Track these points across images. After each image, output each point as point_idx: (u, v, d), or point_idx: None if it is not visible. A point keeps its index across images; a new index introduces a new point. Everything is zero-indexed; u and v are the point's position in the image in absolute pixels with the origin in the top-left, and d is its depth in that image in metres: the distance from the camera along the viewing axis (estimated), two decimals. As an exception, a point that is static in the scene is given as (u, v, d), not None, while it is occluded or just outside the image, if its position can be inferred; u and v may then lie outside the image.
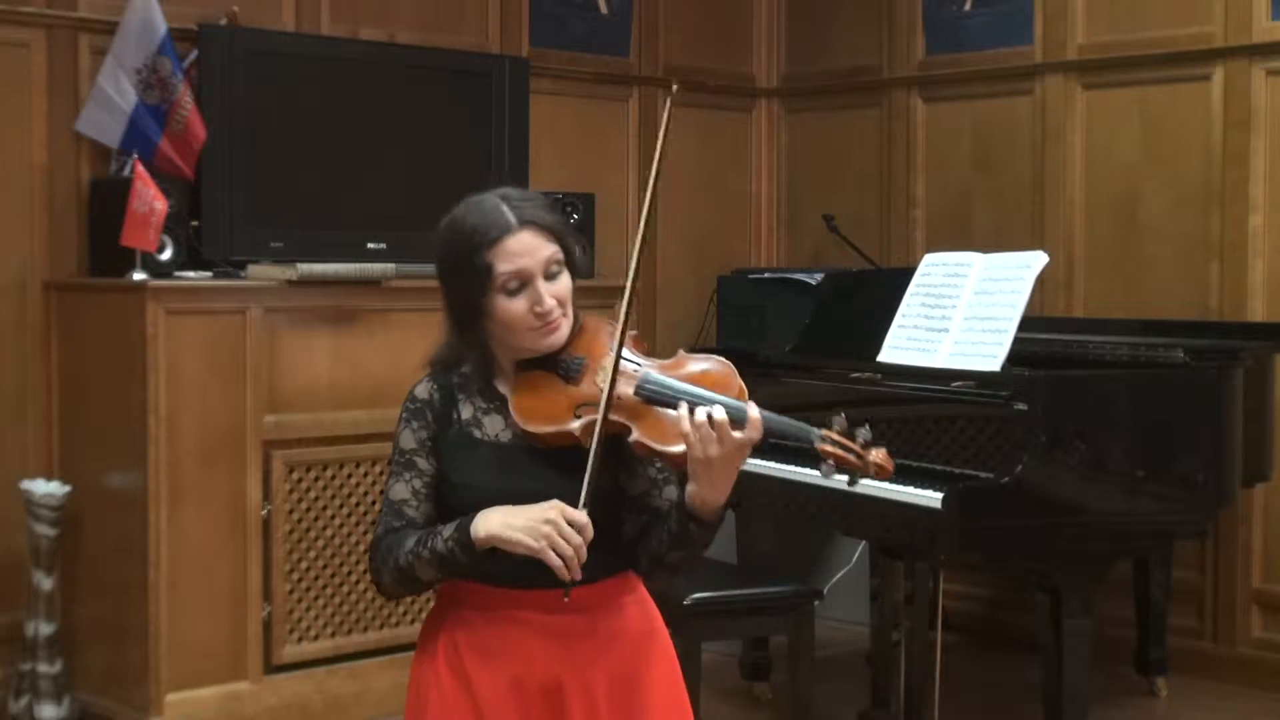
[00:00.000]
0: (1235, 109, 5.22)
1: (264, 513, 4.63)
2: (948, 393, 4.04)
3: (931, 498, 3.84)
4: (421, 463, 2.42)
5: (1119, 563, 4.68)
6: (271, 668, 4.68)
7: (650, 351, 2.47)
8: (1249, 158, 5.19)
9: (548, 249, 2.37)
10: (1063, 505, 3.89)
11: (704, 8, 6.44)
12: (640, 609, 2.50)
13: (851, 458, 2.26)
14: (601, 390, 2.32)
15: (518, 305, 2.36)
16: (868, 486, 4.05)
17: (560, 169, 5.80)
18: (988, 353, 4.02)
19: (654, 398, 2.33)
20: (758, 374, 4.14)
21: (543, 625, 2.39)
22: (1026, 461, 3.79)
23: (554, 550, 2.25)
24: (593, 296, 5.21)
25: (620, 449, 2.36)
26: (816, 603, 4.34)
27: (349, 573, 4.83)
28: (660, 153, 2.42)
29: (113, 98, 4.67)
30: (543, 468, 2.37)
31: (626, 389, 2.34)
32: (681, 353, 2.45)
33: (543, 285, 2.36)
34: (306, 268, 4.66)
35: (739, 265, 6.31)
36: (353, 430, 4.83)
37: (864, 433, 2.28)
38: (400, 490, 2.41)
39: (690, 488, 2.31)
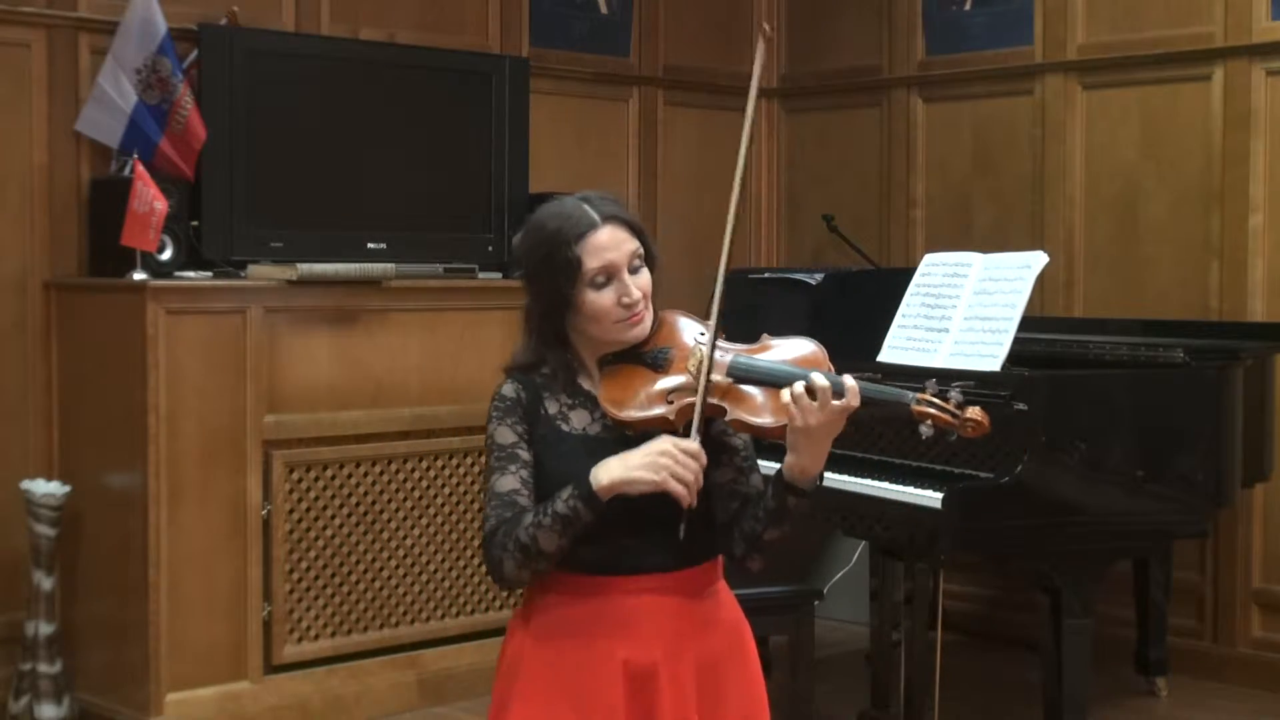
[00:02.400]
0: (1235, 109, 5.23)
1: (264, 513, 4.63)
2: (946, 387, 4.03)
3: (931, 498, 3.84)
4: (524, 454, 2.47)
5: (1119, 563, 4.68)
6: (271, 668, 4.68)
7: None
8: (1249, 158, 5.19)
9: (631, 243, 2.48)
10: (1063, 505, 3.89)
11: (704, 8, 6.44)
12: (729, 598, 2.59)
13: (948, 416, 2.39)
14: (695, 374, 2.42)
15: (605, 298, 2.45)
16: (868, 486, 4.05)
17: (560, 169, 5.79)
18: (988, 353, 4.02)
19: (746, 377, 2.43)
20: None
21: (632, 607, 2.45)
22: (1026, 461, 3.79)
23: (675, 479, 2.32)
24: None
25: (708, 441, 2.43)
26: (816, 603, 4.34)
27: (349, 573, 4.83)
28: (748, 137, 2.64)
29: (113, 98, 4.67)
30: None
31: (718, 373, 2.44)
32: (765, 337, 2.55)
33: (628, 278, 2.46)
34: (306, 268, 4.66)
35: (739, 265, 6.32)
36: (353, 430, 4.83)
37: (955, 394, 2.41)
38: (508, 482, 2.45)
39: (789, 459, 2.40)
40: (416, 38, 5.46)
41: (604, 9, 6.12)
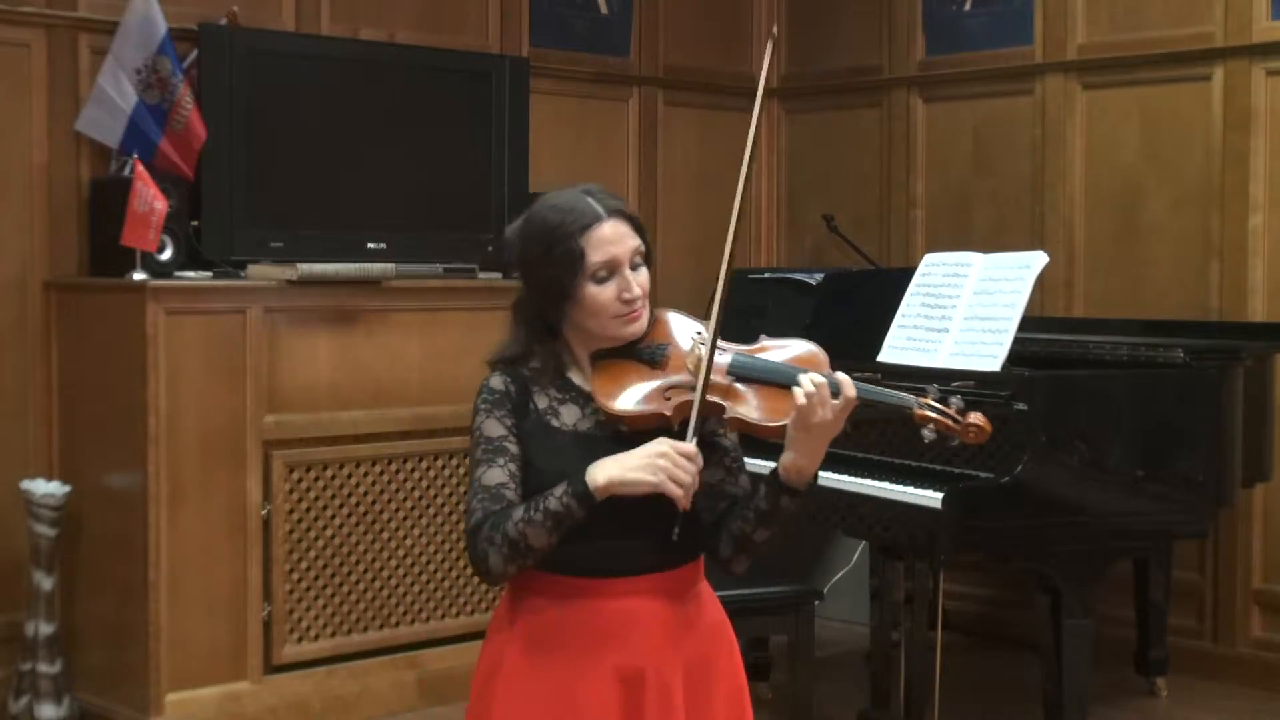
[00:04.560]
0: (1235, 109, 5.23)
1: (264, 513, 4.63)
2: (948, 393, 4.03)
3: (931, 498, 3.84)
4: (512, 448, 2.45)
5: (1119, 563, 4.68)
6: (271, 668, 4.68)
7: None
8: (1249, 158, 5.19)
9: (634, 239, 2.46)
10: (1063, 505, 3.89)
11: (704, 8, 6.44)
12: (711, 597, 2.58)
13: (950, 421, 2.41)
14: (693, 371, 2.42)
15: (606, 292, 2.43)
16: (868, 486, 4.05)
17: (560, 169, 5.79)
18: (988, 353, 4.02)
19: (746, 376, 2.44)
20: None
21: (621, 611, 2.43)
22: (1026, 461, 3.79)
23: (672, 481, 2.31)
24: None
25: (698, 441, 2.41)
26: (816, 603, 4.34)
27: (349, 573, 4.83)
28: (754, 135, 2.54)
29: (113, 98, 4.67)
30: (619, 453, 2.40)
31: (717, 371, 2.43)
32: (763, 338, 2.55)
33: (629, 274, 2.44)
34: (306, 268, 4.66)
35: (739, 265, 6.31)
36: (353, 430, 4.83)
37: (957, 400, 2.43)
38: (496, 475, 2.42)
39: (786, 458, 2.40)
40: (416, 38, 5.46)
41: (604, 9, 6.12)
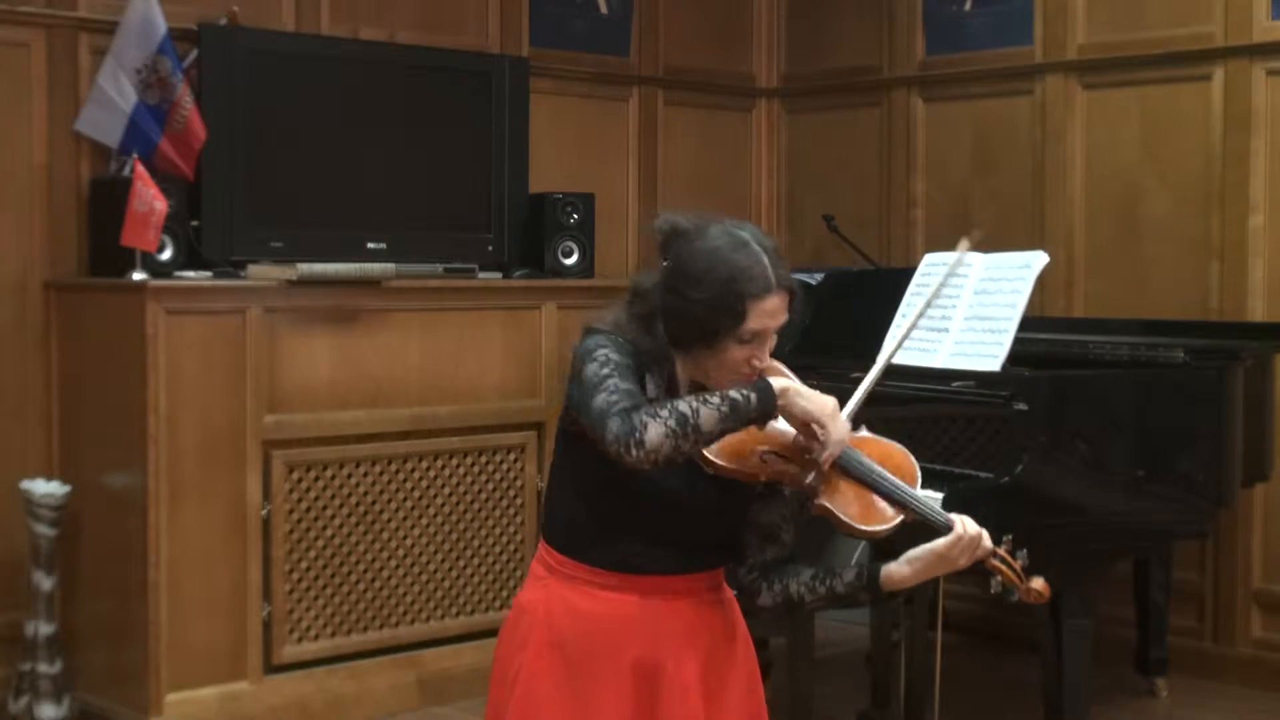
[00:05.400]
0: (1235, 109, 5.22)
1: (264, 513, 4.63)
2: (948, 393, 4.04)
3: (931, 498, 3.83)
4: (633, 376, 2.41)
5: (1119, 562, 4.68)
6: (271, 668, 4.68)
7: None
8: (1249, 158, 5.19)
9: (784, 315, 2.46)
10: (1063, 505, 3.89)
11: (704, 8, 6.44)
12: (733, 602, 2.61)
13: (1015, 578, 2.51)
14: (796, 443, 2.42)
15: (740, 353, 2.42)
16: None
17: (560, 169, 5.80)
18: (988, 353, 4.02)
19: (850, 471, 2.48)
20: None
21: (646, 608, 2.46)
22: (1026, 461, 3.79)
23: (819, 435, 2.37)
24: (589, 296, 5.22)
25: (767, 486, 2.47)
26: (816, 603, 4.33)
27: (349, 573, 4.83)
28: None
29: (113, 98, 4.67)
30: (698, 478, 2.44)
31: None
32: (864, 429, 2.58)
33: (767, 344, 2.45)
34: (306, 268, 4.66)
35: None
36: (353, 430, 4.83)
37: (1023, 556, 2.53)
38: (626, 383, 2.35)
39: (898, 569, 2.48)
40: (416, 38, 5.45)
41: (604, 9, 6.12)
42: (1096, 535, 3.97)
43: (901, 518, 2.46)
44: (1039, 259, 4.13)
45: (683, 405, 2.30)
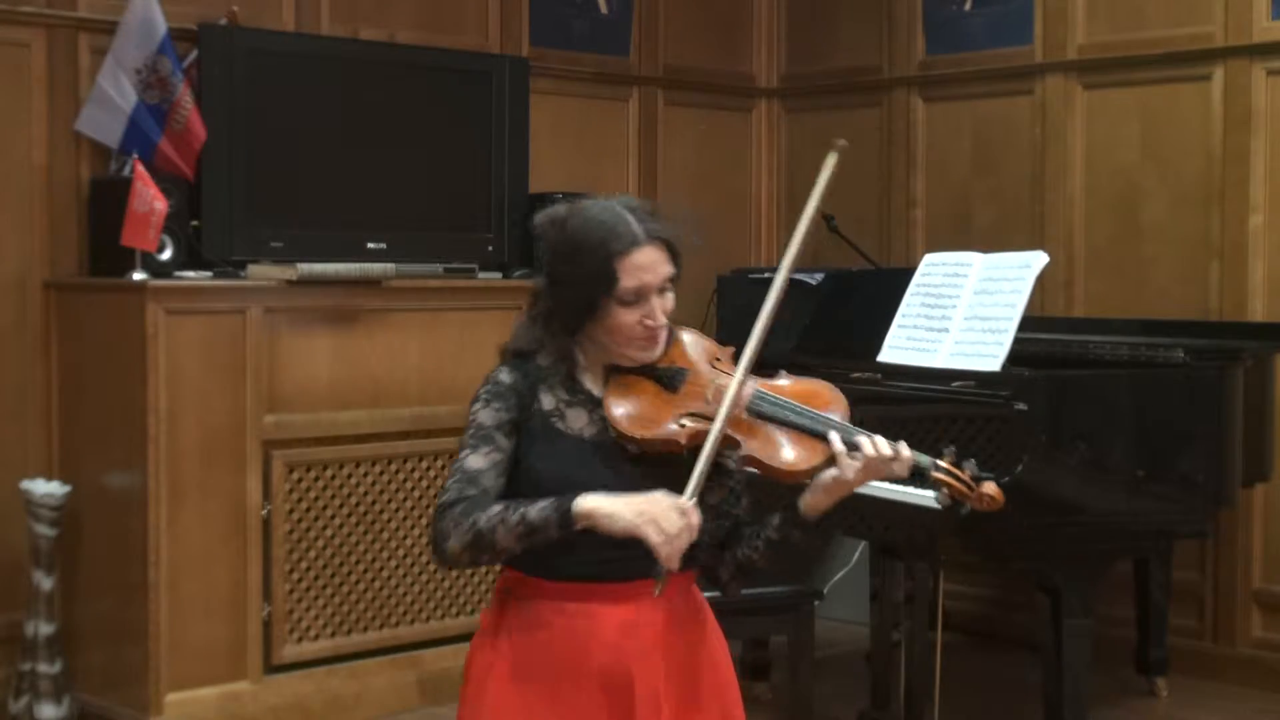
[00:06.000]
0: (1235, 109, 5.23)
1: (264, 513, 4.63)
2: (948, 393, 4.04)
3: (931, 498, 3.82)
4: (501, 440, 2.43)
5: (1119, 563, 4.68)
6: (271, 668, 4.68)
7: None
8: (1249, 158, 5.19)
9: (666, 267, 2.43)
10: (1063, 505, 3.89)
11: (704, 8, 6.44)
12: (700, 603, 2.58)
13: (964, 488, 2.47)
14: (711, 401, 2.41)
15: (629, 316, 2.41)
16: (868, 486, 4.05)
17: (560, 169, 5.79)
18: (988, 353, 4.02)
19: (766, 415, 2.43)
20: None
21: (610, 617, 2.43)
22: (1026, 461, 3.79)
23: (662, 537, 2.27)
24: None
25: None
26: (816, 603, 4.34)
27: (349, 573, 4.83)
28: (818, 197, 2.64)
29: (113, 98, 4.67)
30: (623, 465, 2.41)
31: (738, 406, 2.41)
32: (782, 374, 2.54)
33: (656, 300, 2.42)
34: (306, 268, 4.66)
35: (739, 265, 6.31)
36: (353, 430, 4.83)
37: (971, 465, 2.49)
38: (478, 461, 2.41)
39: (810, 498, 2.44)
40: (416, 38, 5.46)
41: (604, 9, 6.12)
42: (1096, 535, 3.97)
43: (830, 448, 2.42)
44: (1039, 259, 4.13)
45: (483, 522, 2.31)
